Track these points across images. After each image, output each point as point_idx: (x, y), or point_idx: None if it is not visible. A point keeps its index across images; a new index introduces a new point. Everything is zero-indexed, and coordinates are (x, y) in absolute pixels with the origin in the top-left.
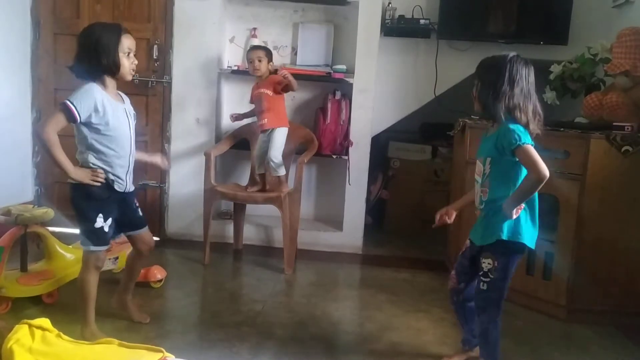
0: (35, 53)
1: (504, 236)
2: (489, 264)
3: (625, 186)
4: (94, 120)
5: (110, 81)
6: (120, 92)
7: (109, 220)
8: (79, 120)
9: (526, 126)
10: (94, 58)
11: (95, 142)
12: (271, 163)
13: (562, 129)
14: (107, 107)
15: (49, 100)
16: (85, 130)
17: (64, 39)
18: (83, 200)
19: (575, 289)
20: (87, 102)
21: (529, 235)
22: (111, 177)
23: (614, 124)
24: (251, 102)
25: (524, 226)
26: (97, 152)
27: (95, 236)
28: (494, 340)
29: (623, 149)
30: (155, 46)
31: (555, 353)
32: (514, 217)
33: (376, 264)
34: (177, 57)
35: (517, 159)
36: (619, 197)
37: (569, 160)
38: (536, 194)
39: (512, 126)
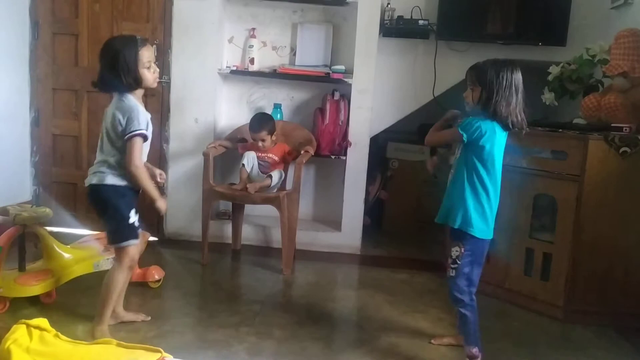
0: (34, 53)
1: (456, 225)
2: (456, 251)
3: (623, 187)
4: None
5: (139, 91)
6: None
7: (137, 215)
8: (149, 137)
9: (505, 119)
10: (116, 77)
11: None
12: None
13: (560, 130)
14: (148, 119)
15: (48, 100)
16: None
17: (63, 39)
18: (118, 198)
19: (573, 289)
20: (143, 117)
21: (479, 228)
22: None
23: (612, 125)
24: (243, 147)
25: (474, 219)
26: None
27: (130, 231)
28: (472, 325)
29: (621, 150)
30: (154, 46)
31: (553, 354)
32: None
33: (374, 264)
34: (175, 58)
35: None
36: (617, 198)
37: (567, 161)
38: (498, 192)
39: (478, 120)
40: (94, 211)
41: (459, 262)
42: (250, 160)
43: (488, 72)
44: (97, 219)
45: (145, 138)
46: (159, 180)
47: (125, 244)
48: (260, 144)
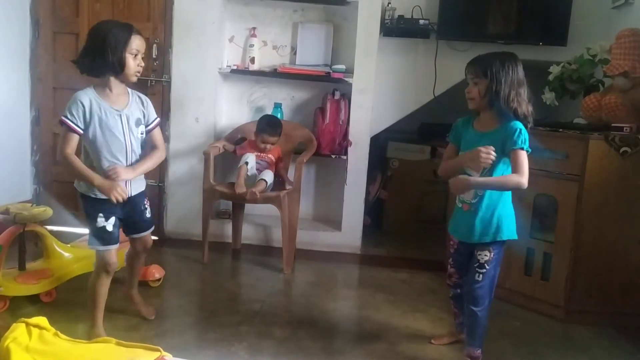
0: (35, 52)
1: (505, 236)
2: (485, 255)
3: (623, 187)
4: (84, 125)
5: (114, 82)
6: (135, 93)
7: (112, 219)
8: (81, 131)
9: (529, 117)
10: (99, 54)
11: (88, 147)
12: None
13: (561, 130)
14: (94, 112)
15: (48, 99)
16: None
17: (63, 38)
18: (86, 201)
19: (573, 289)
20: (77, 110)
21: (513, 231)
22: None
23: (613, 125)
24: (242, 148)
25: (512, 222)
26: (91, 159)
27: (99, 236)
28: (484, 327)
29: (622, 150)
30: (155, 45)
31: (553, 354)
32: (460, 193)
33: (374, 264)
34: (176, 57)
35: (509, 158)
36: (618, 198)
37: (567, 161)
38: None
39: (521, 126)
40: None
41: (487, 266)
42: (250, 161)
43: (493, 63)
44: None
45: (73, 130)
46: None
47: (91, 247)
48: (268, 146)
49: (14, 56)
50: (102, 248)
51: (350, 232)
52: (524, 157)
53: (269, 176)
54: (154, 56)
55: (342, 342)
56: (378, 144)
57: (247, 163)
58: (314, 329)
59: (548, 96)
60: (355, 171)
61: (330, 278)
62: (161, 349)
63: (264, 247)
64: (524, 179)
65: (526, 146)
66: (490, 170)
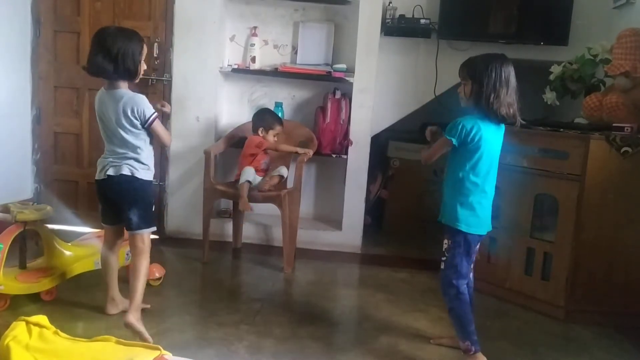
0: (36, 50)
1: (444, 220)
2: (445, 244)
3: (624, 187)
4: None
5: (123, 84)
6: None
7: None
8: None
9: (508, 120)
10: (118, 64)
11: (146, 139)
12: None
13: (561, 130)
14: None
15: (49, 97)
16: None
17: (65, 37)
18: (147, 188)
19: (573, 289)
20: (146, 100)
21: (467, 222)
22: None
23: (614, 124)
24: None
25: (461, 213)
26: (148, 149)
27: (154, 217)
28: (463, 318)
29: (622, 150)
30: (156, 44)
31: (554, 354)
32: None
33: (375, 263)
34: (177, 56)
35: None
36: (618, 198)
37: (568, 160)
38: (491, 186)
39: (459, 119)
40: (119, 199)
41: (447, 254)
42: (250, 176)
43: (477, 66)
44: (98, 215)
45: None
46: (164, 109)
47: (152, 228)
48: (276, 137)
49: (15, 55)
50: (154, 227)
51: (350, 232)
52: (440, 143)
53: (284, 171)
54: (155, 55)
55: (342, 341)
56: (379, 143)
57: (249, 181)
58: (314, 328)
59: (549, 96)
60: (355, 171)
61: (331, 277)
62: (161, 348)
63: (265, 246)
64: (425, 157)
65: (447, 134)
66: (448, 159)
